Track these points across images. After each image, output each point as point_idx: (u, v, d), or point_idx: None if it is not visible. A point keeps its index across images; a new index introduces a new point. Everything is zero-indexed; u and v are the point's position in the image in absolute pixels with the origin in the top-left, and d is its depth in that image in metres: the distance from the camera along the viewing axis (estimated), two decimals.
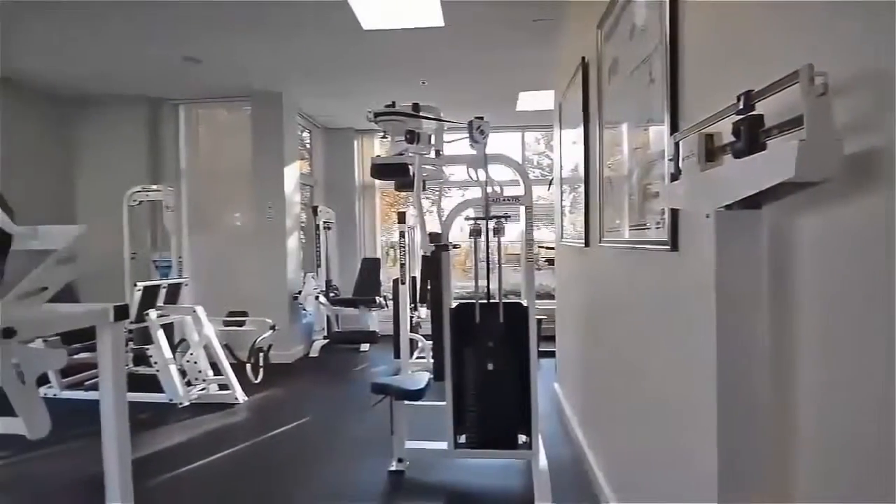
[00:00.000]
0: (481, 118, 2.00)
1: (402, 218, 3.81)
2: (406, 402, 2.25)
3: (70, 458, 2.41)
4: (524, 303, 2.17)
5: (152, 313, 3.12)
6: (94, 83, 4.11)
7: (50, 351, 1.04)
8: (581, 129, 2.27)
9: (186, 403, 3.19)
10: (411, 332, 3.88)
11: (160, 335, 3.12)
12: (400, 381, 2.27)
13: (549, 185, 4.05)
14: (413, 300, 4.22)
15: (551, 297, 5.48)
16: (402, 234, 3.80)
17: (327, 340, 4.89)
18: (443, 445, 2.25)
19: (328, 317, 5.03)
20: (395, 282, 3.95)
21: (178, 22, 2.98)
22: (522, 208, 2.13)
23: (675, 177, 0.93)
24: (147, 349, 3.14)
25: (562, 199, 3.05)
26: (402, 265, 3.72)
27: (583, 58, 2.22)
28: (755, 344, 0.72)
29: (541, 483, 2.02)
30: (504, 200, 2.09)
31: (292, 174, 4.61)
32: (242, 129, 4.67)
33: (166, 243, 4.17)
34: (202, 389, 3.33)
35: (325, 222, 5.11)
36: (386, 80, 4.02)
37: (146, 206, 4.06)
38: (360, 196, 5.85)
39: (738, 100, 0.68)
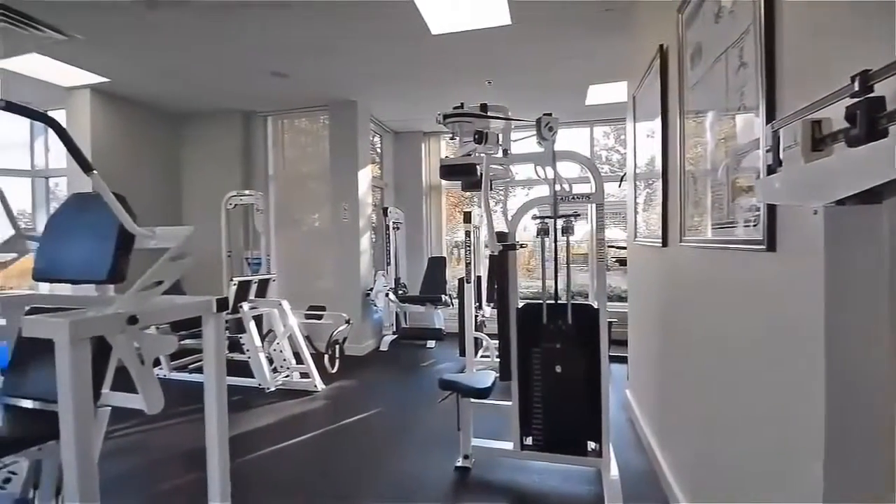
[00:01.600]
0: (549, 114, 1.96)
1: (467, 217, 3.83)
2: (472, 399, 2.27)
3: (176, 431, 2.74)
4: (594, 305, 2.09)
5: (245, 306, 3.46)
6: (198, 100, 4.62)
7: (164, 337, 1.19)
8: (658, 121, 2.13)
9: (273, 389, 3.48)
10: (476, 330, 3.89)
11: (251, 326, 3.44)
12: (467, 378, 2.29)
13: (621, 181, 3.86)
14: (478, 299, 4.23)
15: (621, 299, 5.23)
16: (467, 234, 3.83)
17: (396, 336, 5.07)
18: (508, 446, 2.24)
19: (396, 313, 5.21)
20: (461, 281, 3.99)
21: (267, 41, 3.26)
22: (592, 206, 2.05)
23: (772, 169, 0.84)
24: (240, 338, 3.47)
25: (635, 196, 2.89)
26: (468, 264, 3.75)
27: (661, 45, 2.09)
28: (871, 355, 0.64)
29: (612, 493, 1.94)
30: (573, 198, 2.03)
31: (365, 177, 4.85)
32: (321, 137, 5.04)
33: (257, 242, 4.64)
34: (286, 376, 3.62)
35: (394, 223, 5.31)
36: (452, 83, 4.07)
37: (240, 208, 4.52)
38: (426, 197, 5.98)
39: (853, 81, 0.61)
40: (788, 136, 0.77)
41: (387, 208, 5.29)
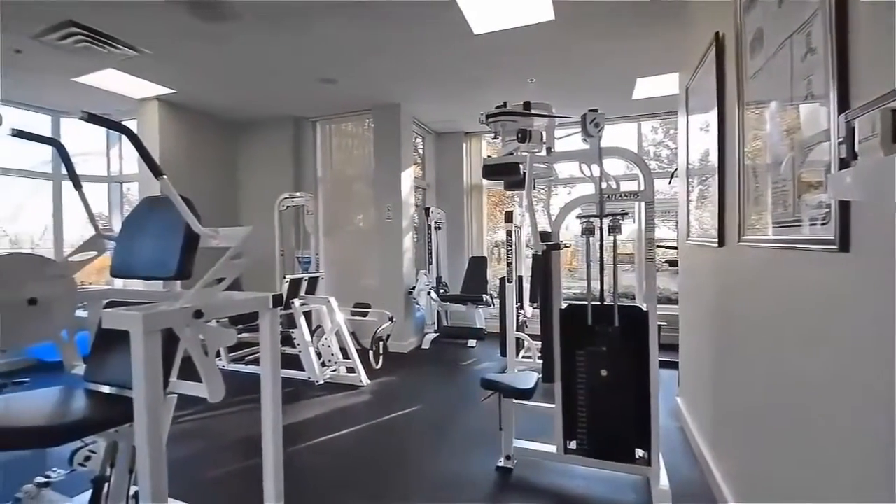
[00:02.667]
0: (595, 110, 1.91)
1: (509, 217, 3.80)
2: (514, 400, 2.25)
3: (233, 419, 2.92)
4: (643, 307, 2.01)
5: (296, 302, 3.62)
6: (253, 108, 4.89)
7: (225, 330, 1.27)
8: (714, 113, 2.02)
9: (321, 382, 3.63)
10: (517, 330, 3.85)
11: (302, 321, 3.60)
12: (509, 378, 2.27)
13: (671, 177, 3.68)
14: (519, 299, 4.19)
15: (670, 301, 5.00)
16: (508, 233, 3.80)
17: (437, 334, 5.12)
18: (551, 449, 2.20)
19: (438, 312, 5.26)
20: (502, 280, 3.96)
21: (317, 49, 3.39)
22: (640, 204, 1.98)
23: (845, 163, 0.78)
24: (292, 332, 3.64)
25: (688, 193, 2.75)
26: (509, 264, 3.71)
27: (717, 33, 1.98)
28: None
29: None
30: (621, 196, 1.96)
31: (408, 178, 4.94)
32: (366, 140, 5.18)
33: (307, 242, 4.87)
34: (334, 370, 3.76)
35: (436, 222, 5.37)
36: (494, 82, 4.05)
37: (291, 209, 4.75)
38: (468, 197, 5.99)
39: None
40: (865, 127, 0.71)
41: (429, 208, 5.34)
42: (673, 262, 3.73)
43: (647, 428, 2.00)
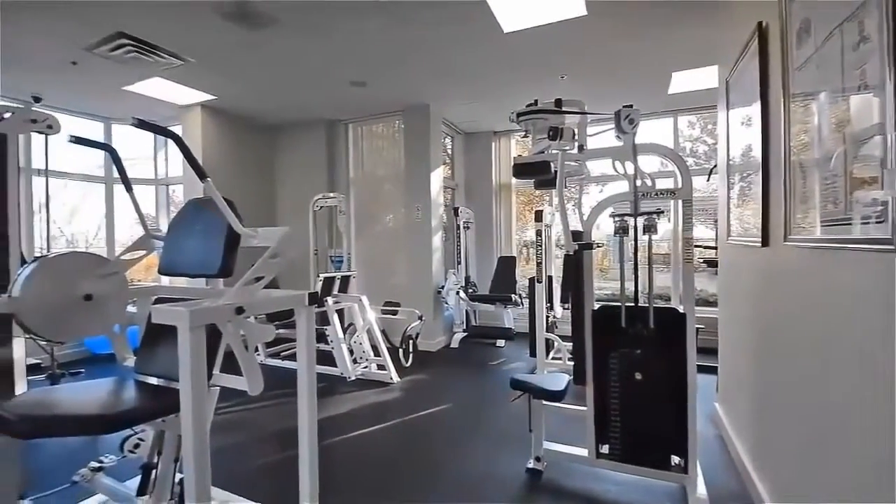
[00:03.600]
0: (630, 106, 1.86)
1: (538, 216, 3.76)
2: (545, 401, 2.22)
3: (270, 412, 3.03)
4: (680, 309, 1.95)
5: (329, 300, 3.71)
6: (288, 112, 5.05)
7: (264, 326, 1.32)
8: (757, 107, 1.93)
9: (353, 378, 3.71)
10: (547, 331, 3.81)
11: (335, 318, 3.69)
12: (539, 379, 2.25)
13: (710, 174, 3.55)
14: (549, 299, 4.14)
15: (707, 303, 4.82)
16: (538, 233, 3.76)
17: (466, 334, 5.13)
18: (583, 452, 2.17)
19: (467, 311, 5.27)
20: (531, 280, 3.92)
21: (348, 53, 3.47)
22: (676, 202, 1.91)
23: None
24: (325, 329, 3.74)
25: (728, 191, 2.64)
26: (539, 264, 3.68)
27: (759, 23, 1.89)
28: None
29: None
30: (657, 194, 1.90)
31: (437, 178, 4.97)
32: (396, 141, 5.26)
33: (339, 241, 5.02)
34: (365, 367, 3.84)
35: (464, 222, 5.38)
36: (524, 80, 4.02)
37: (324, 210, 4.88)
38: (496, 196, 5.97)
39: None
40: None
41: (457, 208, 5.36)
42: (711, 263, 3.59)
43: (683, 434, 1.93)
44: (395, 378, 3.72)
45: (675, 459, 1.99)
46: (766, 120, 1.87)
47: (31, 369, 2.69)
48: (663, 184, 2.00)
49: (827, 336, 1.32)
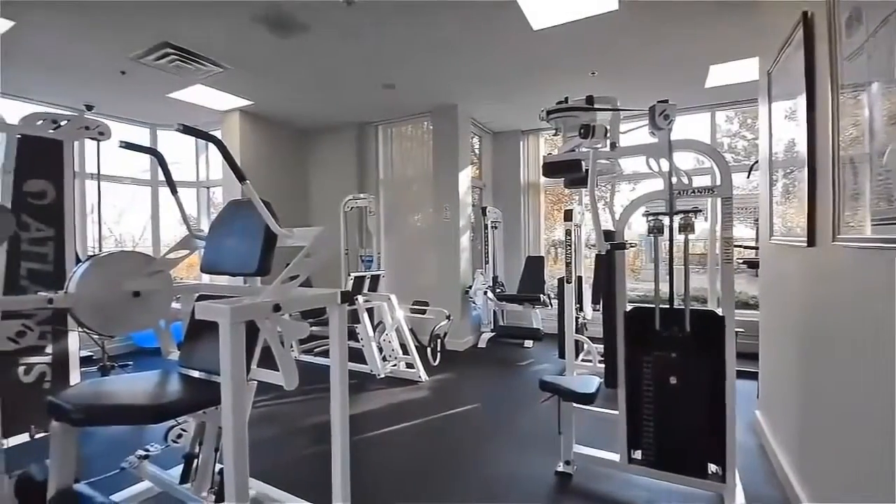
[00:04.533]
0: (665, 101, 1.81)
1: (568, 216, 3.70)
2: (574, 404, 2.19)
3: (303, 406, 3.12)
4: (719, 312, 1.88)
5: (360, 298, 3.78)
6: (320, 115, 5.19)
7: (299, 323, 1.36)
8: (803, 99, 1.84)
9: (382, 375, 3.77)
10: (576, 333, 3.75)
11: (365, 317, 3.76)
12: (569, 382, 2.22)
13: (750, 171, 3.40)
14: (579, 300, 4.07)
15: (747, 305, 4.63)
16: (567, 233, 3.70)
17: (494, 333, 5.11)
18: (614, 457, 2.12)
19: (494, 311, 5.25)
20: (560, 281, 3.87)
21: (377, 56, 3.53)
22: (713, 200, 1.85)
23: None
24: (355, 327, 3.81)
25: (771, 188, 2.52)
26: (568, 264, 3.62)
27: (804, 13, 1.80)
28: None
29: None
30: (693, 192, 1.84)
31: (465, 178, 4.98)
32: (424, 142, 5.31)
33: (369, 241, 5.13)
34: (394, 365, 3.89)
35: (492, 222, 5.36)
36: (553, 78, 3.96)
37: (355, 210, 4.98)
38: (524, 195, 5.92)
39: None
40: None
41: (485, 208, 5.35)
42: (752, 264, 3.44)
43: (721, 441, 1.86)
44: (424, 376, 3.75)
45: (713, 468, 1.92)
46: (811, 113, 1.78)
47: (84, 361, 2.87)
48: (700, 181, 1.93)
49: (878, 340, 1.24)
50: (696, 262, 5.00)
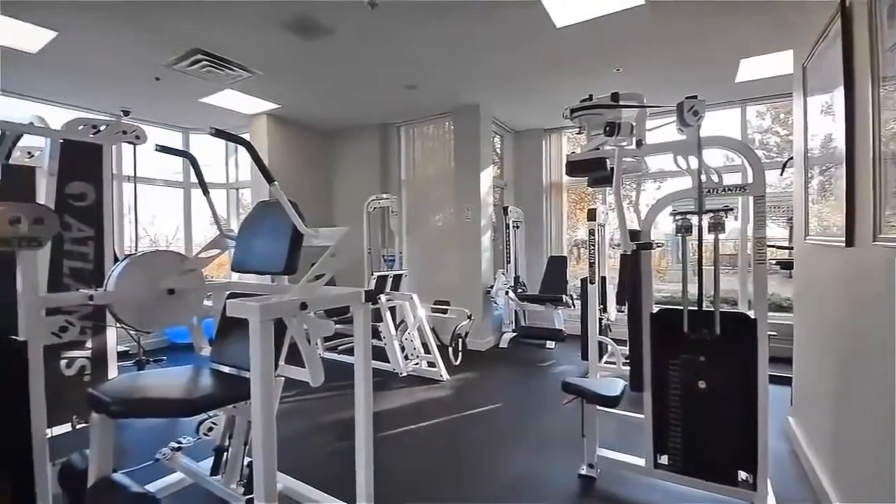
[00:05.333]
0: (694, 97, 1.77)
1: (592, 215, 3.65)
2: (598, 406, 2.16)
3: (328, 403, 3.18)
4: (750, 314, 1.82)
5: (382, 297, 3.83)
6: (344, 117, 5.28)
7: (325, 321, 1.40)
8: (841, 92, 1.76)
9: (404, 374, 3.80)
10: (600, 334, 3.69)
11: (388, 316, 3.80)
12: (593, 384, 2.19)
13: (783, 167, 3.28)
14: (602, 301, 4.01)
15: (780, 308, 4.48)
16: (591, 232, 3.65)
17: (515, 334, 5.08)
18: (639, 461, 2.08)
19: (516, 311, 5.22)
20: (584, 281, 3.82)
21: (399, 57, 3.56)
22: (745, 200, 1.79)
23: None
24: (378, 326, 3.86)
25: (806, 186, 2.43)
26: (591, 264, 3.57)
27: (842, 2, 1.73)
28: None
29: None
30: (724, 191, 1.79)
31: (487, 178, 4.97)
32: (446, 142, 5.33)
33: (391, 241, 5.19)
34: (416, 364, 3.92)
35: (514, 222, 5.33)
36: (576, 75, 3.91)
37: (377, 211, 5.04)
38: (546, 195, 5.86)
39: None
40: None
41: (507, 207, 5.32)
42: (785, 265, 3.32)
43: (752, 448, 1.81)
44: (445, 376, 3.76)
45: (743, 475, 1.86)
46: (850, 107, 1.70)
47: (121, 356, 2.99)
48: (730, 179, 1.87)
49: None
50: (726, 262, 4.86)
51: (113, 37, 3.11)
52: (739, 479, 1.86)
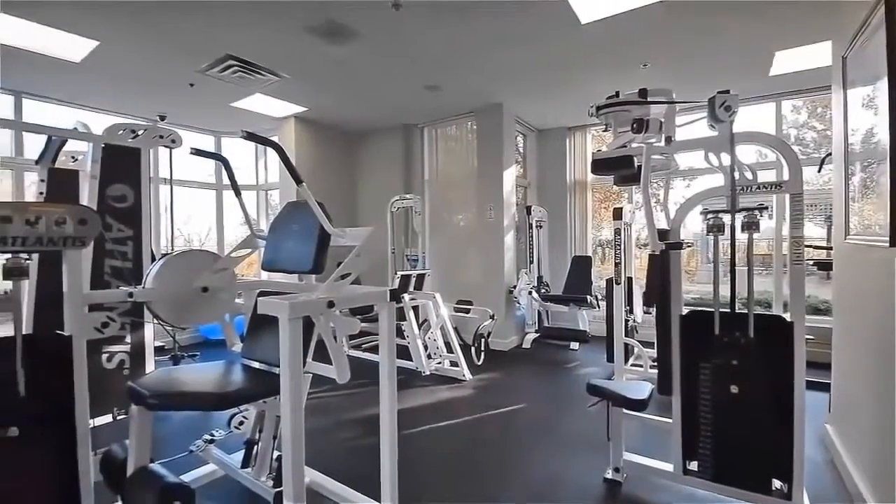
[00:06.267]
0: (726, 92, 1.71)
1: (618, 214, 3.58)
2: (625, 410, 2.12)
3: (352, 399, 3.24)
4: (786, 317, 1.75)
5: (406, 296, 3.87)
6: (368, 119, 5.35)
7: (351, 319, 1.42)
8: (884, 84, 1.68)
9: (427, 373, 3.83)
10: (626, 336, 3.62)
11: (411, 315, 3.84)
12: (619, 386, 2.15)
13: (821, 164, 3.14)
14: (628, 302, 3.93)
15: (817, 311, 4.31)
16: (617, 232, 3.58)
17: (538, 334, 5.04)
18: (667, 467, 2.03)
19: (539, 312, 5.17)
20: (609, 281, 3.75)
21: (422, 58, 3.58)
22: (780, 198, 1.72)
23: None
24: (401, 325, 3.89)
25: (846, 183, 2.32)
26: (617, 264, 3.50)
27: None
28: None
29: None
30: (759, 188, 1.73)
31: (510, 177, 4.95)
32: (468, 142, 5.33)
33: (415, 241, 5.23)
34: (438, 363, 3.94)
35: (537, 221, 5.28)
36: (601, 71, 3.85)
37: (401, 211, 5.09)
38: (571, 194, 5.79)
39: None
40: None
41: (530, 207, 5.28)
42: (823, 265, 3.18)
43: (787, 456, 1.74)
44: (468, 375, 3.76)
45: (777, 483, 1.79)
46: (894, 99, 1.62)
47: (157, 350, 3.11)
48: (763, 176, 1.81)
49: None
50: (759, 262, 4.70)
51: (150, 45, 3.24)
52: (773, 488, 1.79)
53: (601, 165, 2.02)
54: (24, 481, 1.29)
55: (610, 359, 3.56)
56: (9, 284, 1.30)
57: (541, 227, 5.41)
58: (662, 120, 1.94)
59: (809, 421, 1.82)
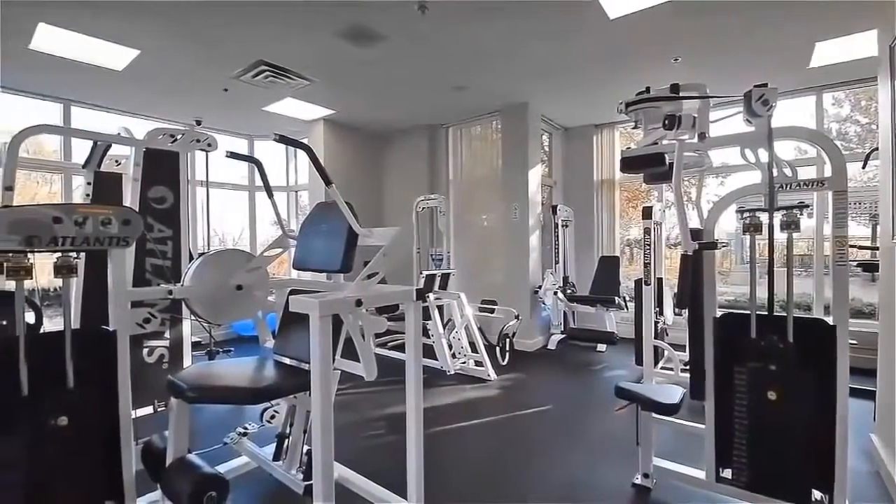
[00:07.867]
0: (763, 85, 1.65)
1: (647, 213, 3.50)
2: (655, 414, 2.07)
3: (379, 397, 3.28)
4: (828, 320, 1.67)
5: (431, 296, 3.90)
6: (395, 120, 5.42)
7: (378, 318, 1.44)
8: None
9: (452, 372, 3.84)
10: (656, 338, 3.52)
11: (436, 314, 3.87)
12: (649, 390, 2.10)
13: (867, 160, 2.97)
14: (658, 303, 3.83)
15: (861, 314, 4.10)
16: (646, 231, 3.49)
17: (564, 335, 4.97)
18: (699, 474, 1.97)
19: (564, 313, 5.10)
20: (638, 282, 3.66)
21: (449, 58, 3.60)
22: (821, 196, 1.65)
23: None
24: (426, 324, 3.92)
25: (894, 179, 2.19)
26: (647, 264, 3.42)
27: None
28: None
29: None
30: (800, 185, 1.66)
31: (535, 177, 4.91)
32: (493, 141, 5.32)
33: (439, 241, 5.26)
34: (463, 362, 3.95)
35: (563, 221, 5.22)
36: (630, 67, 3.76)
37: (426, 211, 5.13)
38: (597, 193, 5.68)
39: None
40: None
41: (555, 206, 5.21)
42: (868, 266, 3.01)
43: (829, 466, 1.66)
44: (493, 375, 3.76)
45: (817, 495, 1.71)
46: None
47: (193, 346, 3.24)
48: (803, 173, 1.73)
49: None
50: (798, 263, 4.50)
51: (187, 53, 3.38)
52: (813, 500, 1.72)
53: (631, 163, 1.98)
54: (72, 467, 1.37)
55: (639, 361, 3.48)
56: (58, 282, 1.38)
57: (567, 226, 5.34)
58: (695, 115, 1.88)
59: (853, 430, 1.73)
